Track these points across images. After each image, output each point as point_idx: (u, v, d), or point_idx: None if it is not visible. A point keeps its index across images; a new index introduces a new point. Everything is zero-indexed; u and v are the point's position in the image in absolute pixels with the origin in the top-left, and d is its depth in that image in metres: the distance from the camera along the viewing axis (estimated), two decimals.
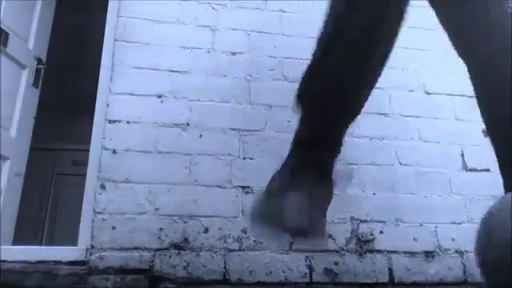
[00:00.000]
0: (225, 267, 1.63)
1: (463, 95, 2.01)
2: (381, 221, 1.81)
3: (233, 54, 1.95)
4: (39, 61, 2.46)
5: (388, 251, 1.77)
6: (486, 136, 2.19)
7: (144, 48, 1.87)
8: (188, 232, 1.65)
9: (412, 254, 1.79)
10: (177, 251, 1.61)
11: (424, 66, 2.07)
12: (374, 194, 1.85)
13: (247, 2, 2.05)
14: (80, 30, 3.72)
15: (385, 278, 1.73)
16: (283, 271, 1.66)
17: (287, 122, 1.89)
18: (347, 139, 1.90)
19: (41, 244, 2.92)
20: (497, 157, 0.79)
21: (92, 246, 1.56)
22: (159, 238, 1.62)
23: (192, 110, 1.82)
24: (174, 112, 1.80)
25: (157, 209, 1.65)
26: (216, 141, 1.80)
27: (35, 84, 2.43)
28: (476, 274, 1.79)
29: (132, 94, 1.79)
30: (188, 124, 1.80)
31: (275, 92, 1.92)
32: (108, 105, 1.76)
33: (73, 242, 1.69)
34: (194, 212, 1.68)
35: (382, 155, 1.92)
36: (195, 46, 1.92)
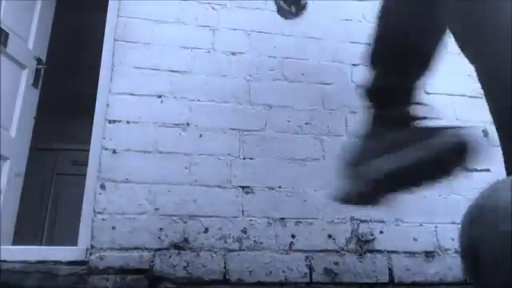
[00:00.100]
0: (225, 267, 1.63)
1: (463, 95, 2.01)
2: (381, 221, 1.81)
3: (233, 53, 1.95)
4: (39, 61, 2.46)
5: (388, 251, 1.77)
6: (485, 136, 2.19)
7: (144, 48, 1.87)
8: (188, 232, 1.65)
9: (412, 253, 1.79)
10: (177, 251, 1.61)
11: None
12: None
13: (247, 2, 2.05)
14: (80, 30, 3.72)
15: (385, 278, 1.73)
16: (283, 271, 1.66)
17: (287, 121, 1.89)
18: (346, 139, 1.91)
19: (41, 244, 2.92)
20: (503, 154, 0.79)
21: (92, 246, 1.56)
22: (159, 237, 1.62)
23: (192, 110, 1.82)
24: (174, 112, 1.80)
25: (157, 209, 1.65)
26: (216, 141, 1.80)
27: (35, 84, 2.43)
28: None
29: (132, 94, 1.79)
30: (188, 124, 1.80)
31: (275, 92, 1.93)
32: (108, 105, 1.76)
33: (73, 242, 1.69)
34: (194, 212, 1.68)
35: None
36: (195, 46, 1.93)
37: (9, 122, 2.18)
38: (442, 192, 1.90)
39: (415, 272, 1.76)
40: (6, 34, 2.17)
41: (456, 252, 1.82)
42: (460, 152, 0.76)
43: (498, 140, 0.81)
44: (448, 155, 0.76)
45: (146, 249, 1.59)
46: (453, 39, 0.90)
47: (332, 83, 2.00)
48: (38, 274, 1.49)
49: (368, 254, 1.75)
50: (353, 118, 1.96)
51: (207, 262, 1.62)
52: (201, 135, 1.79)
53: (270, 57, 1.99)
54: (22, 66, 2.32)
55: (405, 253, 1.78)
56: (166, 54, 1.88)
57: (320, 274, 1.68)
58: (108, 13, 1.99)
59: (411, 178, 0.83)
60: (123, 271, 1.55)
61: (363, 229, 1.79)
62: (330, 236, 1.75)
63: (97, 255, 1.55)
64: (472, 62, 0.86)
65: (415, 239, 1.80)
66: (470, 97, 2.01)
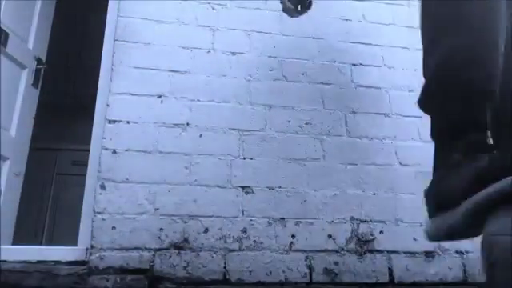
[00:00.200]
0: (225, 267, 1.63)
1: None
2: (381, 221, 1.81)
3: (233, 53, 1.95)
4: (39, 61, 2.46)
5: (388, 251, 1.77)
6: None
7: (144, 48, 1.87)
8: (188, 232, 1.65)
9: (412, 253, 1.79)
10: (177, 251, 1.61)
11: None
12: (374, 193, 1.85)
13: (247, 2, 2.05)
14: (80, 30, 3.72)
15: (385, 278, 1.73)
16: (283, 271, 1.66)
17: (287, 121, 1.89)
18: (347, 139, 1.92)
19: (41, 244, 2.93)
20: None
21: (92, 246, 1.56)
22: (159, 237, 1.62)
23: (192, 110, 1.82)
24: (174, 112, 1.80)
25: (157, 209, 1.65)
26: (216, 141, 1.80)
27: (35, 84, 2.43)
28: (476, 273, 1.79)
29: (132, 94, 1.79)
30: (188, 124, 1.80)
31: (275, 92, 1.93)
32: (108, 105, 1.76)
33: (73, 242, 1.69)
34: (194, 212, 1.68)
35: (381, 155, 1.92)
36: (195, 46, 1.93)
37: (9, 122, 2.18)
38: None
39: (415, 272, 1.76)
40: (6, 34, 2.17)
41: (456, 252, 1.82)
42: None
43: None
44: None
45: (146, 249, 1.59)
46: None
47: (332, 83, 2.00)
48: (37, 273, 1.49)
49: (368, 254, 1.75)
50: (353, 117, 1.96)
51: (207, 262, 1.62)
52: (201, 135, 1.79)
53: (270, 57, 1.99)
54: (22, 66, 2.32)
55: (405, 253, 1.78)
56: (165, 54, 1.88)
57: (320, 274, 1.68)
58: (108, 13, 1.99)
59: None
60: (123, 271, 1.55)
61: (363, 229, 1.79)
62: (330, 236, 1.75)
63: (97, 255, 1.55)
64: None
65: (415, 239, 1.80)
66: None
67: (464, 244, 1.82)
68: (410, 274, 1.75)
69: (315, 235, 1.74)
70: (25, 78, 2.33)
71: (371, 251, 1.76)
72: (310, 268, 1.69)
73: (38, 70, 2.45)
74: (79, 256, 1.59)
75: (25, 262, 1.53)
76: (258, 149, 1.82)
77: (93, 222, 1.60)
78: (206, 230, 1.66)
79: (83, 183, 1.73)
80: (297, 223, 1.74)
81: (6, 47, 2.16)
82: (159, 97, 1.81)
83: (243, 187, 1.75)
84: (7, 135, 2.16)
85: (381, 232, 1.80)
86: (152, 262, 1.58)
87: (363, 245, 1.76)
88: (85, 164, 1.80)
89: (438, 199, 0.86)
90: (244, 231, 1.69)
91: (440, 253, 1.81)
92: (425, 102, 0.87)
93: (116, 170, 1.67)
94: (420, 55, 0.90)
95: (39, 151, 2.87)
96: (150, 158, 1.72)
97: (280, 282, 1.64)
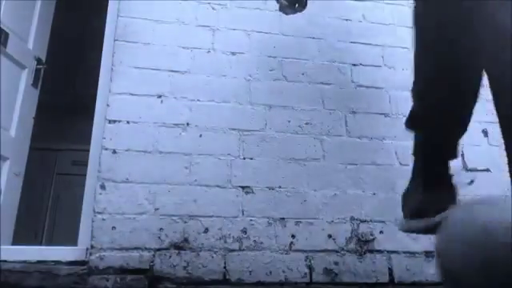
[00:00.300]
0: (225, 267, 1.63)
1: None
2: (381, 221, 1.81)
3: (233, 53, 1.95)
4: (39, 61, 2.46)
5: (388, 251, 1.77)
6: (485, 136, 2.19)
7: (144, 48, 1.87)
8: (188, 232, 1.65)
9: (412, 253, 1.79)
10: (177, 251, 1.61)
11: None
12: (374, 193, 1.85)
13: (247, 2, 2.05)
14: (80, 30, 3.72)
15: (385, 278, 1.73)
16: (283, 271, 1.66)
17: (287, 121, 1.89)
18: (347, 139, 1.91)
19: (41, 244, 2.92)
20: (507, 155, 0.80)
21: (92, 246, 1.56)
22: (159, 237, 1.62)
23: (192, 110, 1.82)
24: (174, 112, 1.80)
25: (157, 209, 1.65)
26: (216, 141, 1.80)
27: (35, 84, 2.43)
28: None
29: (132, 94, 1.79)
30: (188, 124, 1.80)
31: (275, 92, 1.92)
32: (108, 105, 1.76)
33: (73, 242, 1.69)
34: (194, 212, 1.68)
35: (381, 155, 1.92)
36: (195, 46, 1.92)
37: (9, 122, 2.18)
38: None
39: (415, 272, 1.76)
40: (6, 34, 2.17)
41: None
42: None
43: (500, 141, 0.82)
44: None
45: (145, 249, 1.59)
46: None
47: (332, 83, 2.00)
48: (37, 273, 1.49)
49: (368, 254, 1.75)
50: (353, 117, 1.96)
51: (207, 261, 1.62)
52: (201, 135, 1.79)
53: (270, 57, 1.99)
54: (22, 66, 2.32)
55: (405, 253, 1.78)
56: (165, 54, 1.88)
57: (320, 273, 1.68)
58: (108, 13, 2.00)
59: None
60: (123, 271, 1.55)
61: (363, 229, 1.79)
62: (330, 236, 1.75)
63: (97, 255, 1.55)
64: (485, 68, 0.88)
65: (415, 239, 1.80)
66: None
67: None
68: (410, 273, 1.75)
69: (315, 235, 1.74)
70: (25, 77, 2.33)
71: (371, 251, 1.76)
72: (310, 268, 1.69)
73: (37, 70, 2.44)
74: (79, 256, 1.59)
75: (25, 262, 1.53)
76: (258, 149, 1.82)
77: (93, 222, 1.60)
78: (206, 230, 1.66)
79: (83, 183, 1.73)
80: (297, 223, 1.74)
81: (5, 47, 2.16)
82: (159, 97, 1.81)
83: (243, 187, 1.75)
84: (7, 135, 2.16)
85: (381, 232, 1.80)
86: (152, 261, 1.58)
87: (363, 245, 1.76)
88: (85, 164, 1.80)
89: (405, 209, 1.13)
90: (244, 231, 1.69)
91: None
92: (411, 123, 1.05)
93: (116, 170, 1.67)
94: None
95: (39, 151, 2.87)
96: (149, 158, 1.72)
97: (280, 282, 1.64)
